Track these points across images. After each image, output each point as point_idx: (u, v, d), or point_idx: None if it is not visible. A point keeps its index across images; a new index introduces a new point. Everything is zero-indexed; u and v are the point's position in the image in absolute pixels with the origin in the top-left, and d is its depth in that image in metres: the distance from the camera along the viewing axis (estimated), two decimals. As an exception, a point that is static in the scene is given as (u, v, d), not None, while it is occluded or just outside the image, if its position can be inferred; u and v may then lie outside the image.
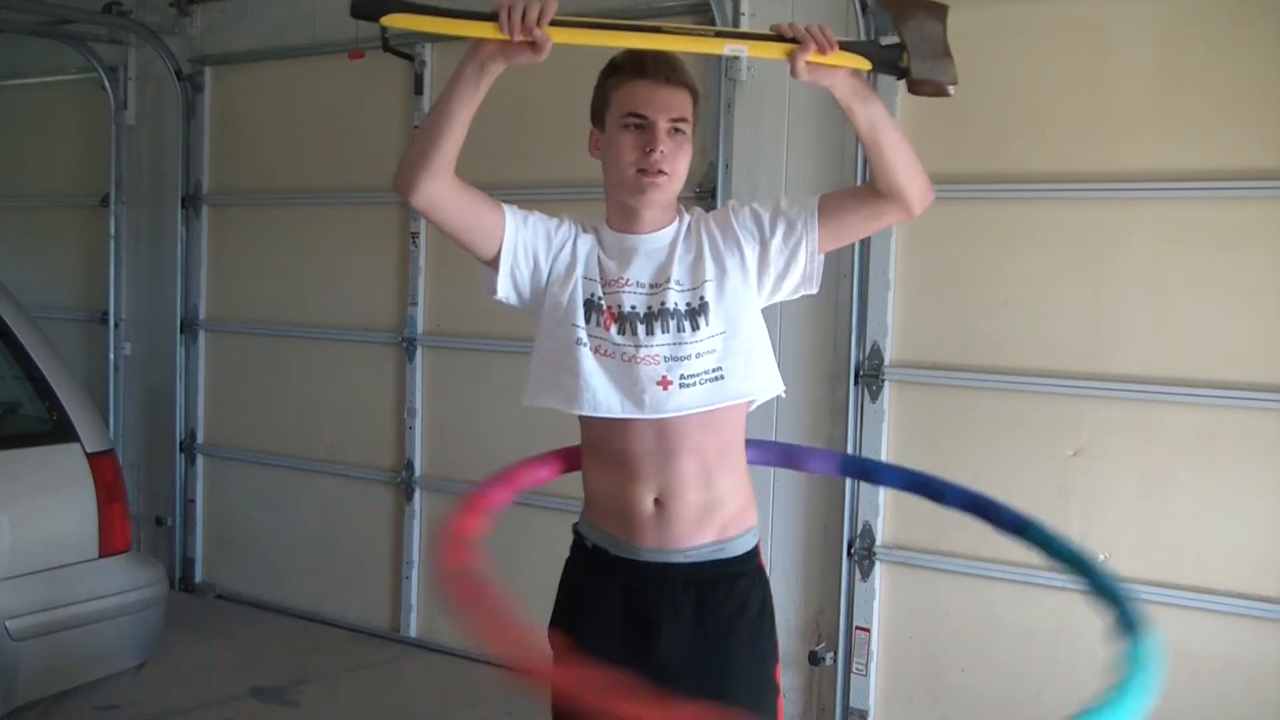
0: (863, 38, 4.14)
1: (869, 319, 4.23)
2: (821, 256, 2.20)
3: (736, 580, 2.22)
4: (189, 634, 5.21)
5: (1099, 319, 3.91)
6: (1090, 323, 3.92)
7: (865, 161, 4.14)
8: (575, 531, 2.34)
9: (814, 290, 2.24)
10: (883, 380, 4.23)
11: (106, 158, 6.31)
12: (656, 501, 2.18)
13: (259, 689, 4.81)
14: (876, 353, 4.23)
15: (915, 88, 2.04)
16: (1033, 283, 4.00)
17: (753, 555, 2.26)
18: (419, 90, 5.27)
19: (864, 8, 4.14)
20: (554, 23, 1.91)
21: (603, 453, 2.22)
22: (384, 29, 5.06)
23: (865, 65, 2.03)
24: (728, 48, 2.00)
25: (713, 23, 4.38)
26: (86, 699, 3.94)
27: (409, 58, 5.25)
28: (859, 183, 4.18)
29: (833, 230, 2.19)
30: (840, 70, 2.01)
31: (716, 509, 2.19)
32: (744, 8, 4.40)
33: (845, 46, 2.01)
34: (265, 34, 5.81)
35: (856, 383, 4.25)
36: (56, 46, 6.32)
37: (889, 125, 2.08)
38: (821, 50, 1.97)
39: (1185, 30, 3.78)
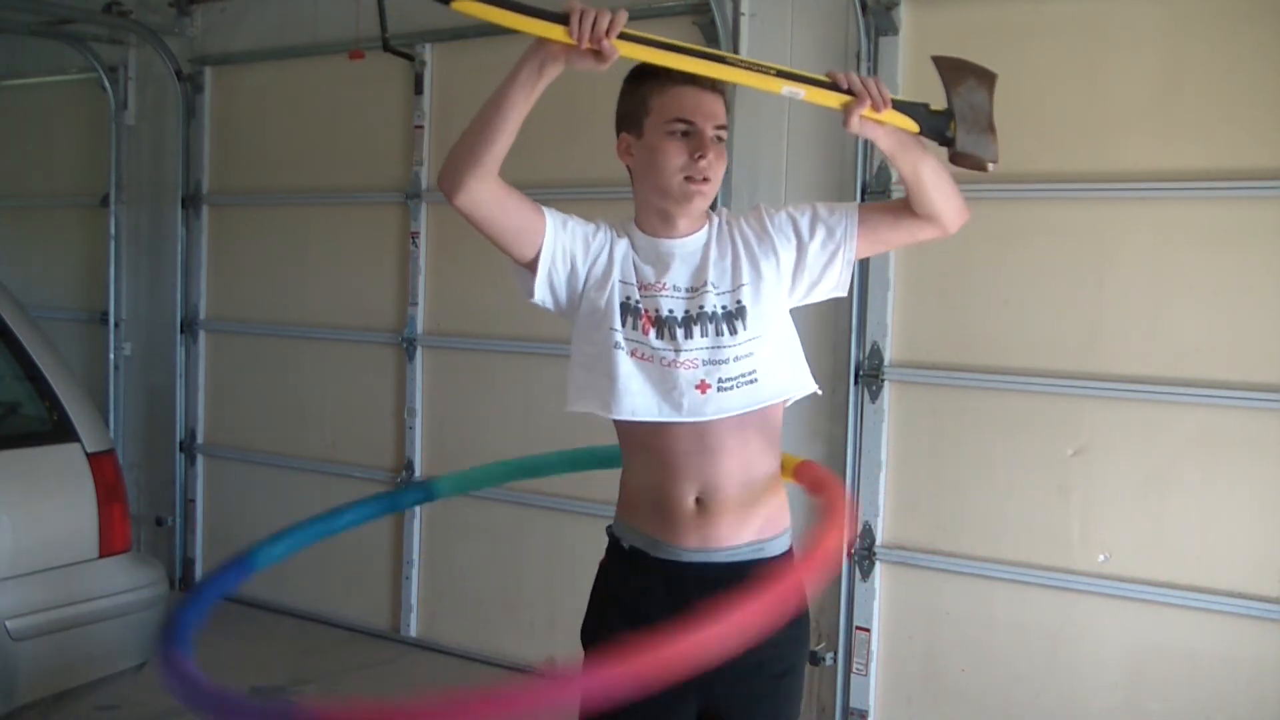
0: (863, 39, 4.16)
1: (869, 319, 4.23)
2: (856, 263, 2.23)
3: (779, 580, 2.22)
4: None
5: (1099, 319, 3.91)
6: (1090, 323, 3.92)
7: (866, 159, 4.20)
8: (610, 534, 2.32)
9: (844, 294, 2.27)
10: (883, 380, 4.23)
11: (106, 158, 6.31)
12: (698, 500, 2.18)
13: (259, 689, 4.81)
14: (876, 353, 4.23)
15: (956, 159, 2.07)
16: (1033, 283, 4.00)
17: (790, 556, 2.27)
18: (419, 90, 5.27)
19: (864, 8, 4.14)
20: (622, 35, 1.92)
21: (642, 452, 2.21)
22: (385, 33, 5.13)
23: (914, 128, 2.06)
24: (786, 89, 2.02)
25: (712, 23, 4.40)
26: (87, 699, 3.93)
27: (409, 58, 5.26)
28: (858, 182, 4.19)
29: (869, 241, 2.22)
30: (888, 126, 2.05)
31: (757, 507, 2.20)
32: (744, 7, 4.41)
33: (897, 105, 2.04)
34: (265, 34, 5.81)
35: (856, 383, 4.25)
36: (56, 46, 6.32)
37: (930, 166, 2.09)
38: (876, 107, 2.00)
39: (1185, 30, 3.78)
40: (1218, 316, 3.74)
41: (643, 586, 2.23)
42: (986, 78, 2.09)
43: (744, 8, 4.41)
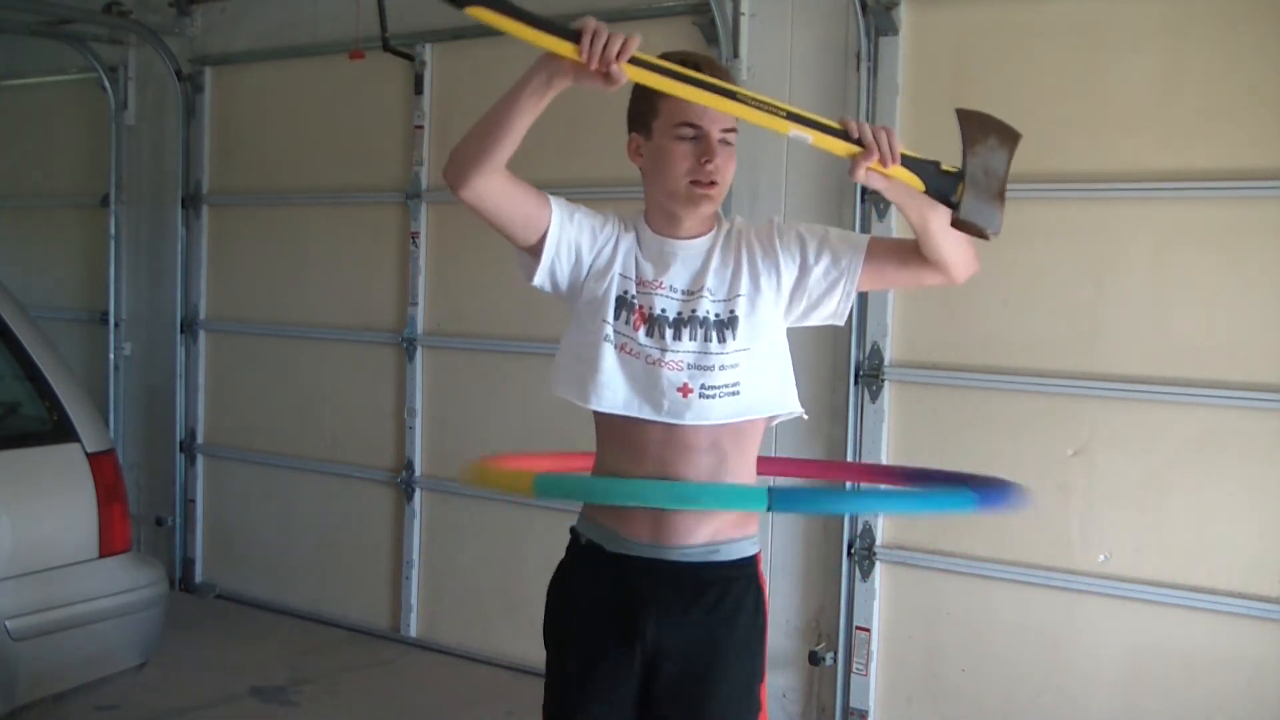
0: (863, 39, 4.16)
1: (869, 319, 4.24)
2: (856, 294, 2.22)
3: (730, 584, 2.20)
4: (189, 634, 5.21)
5: (1099, 319, 3.91)
6: (1090, 323, 3.92)
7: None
8: (571, 531, 2.34)
9: (840, 324, 2.26)
10: (883, 380, 4.23)
11: (106, 158, 6.31)
12: None
13: (259, 689, 4.82)
14: (876, 353, 4.23)
15: (956, 224, 2.03)
16: (1033, 283, 4.00)
17: (749, 563, 2.24)
18: (419, 90, 5.27)
19: (864, 8, 4.14)
20: (633, 60, 1.91)
21: (613, 442, 2.22)
22: (385, 33, 5.13)
23: (920, 186, 2.02)
24: (793, 132, 1.99)
25: (712, 23, 4.40)
26: (87, 699, 3.94)
27: (409, 58, 5.26)
28: (858, 188, 4.17)
29: (872, 277, 2.22)
30: (894, 180, 2.02)
31: (714, 512, 2.19)
32: (744, 7, 4.41)
33: (906, 162, 2.00)
34: (265, 34, 5.81)
35: (856, 383, 4.25)
36: (56, 46, 6.32)
37: (940, 217, 2.06)
38: (884, 162, 1.98)
39: (1185, 30, 3.78)
40: (1218, 316, 3.74)
41: (593, 577, 2.24)
42: (1010, 137, 2.03)
43: (744, 8, 4.41)
